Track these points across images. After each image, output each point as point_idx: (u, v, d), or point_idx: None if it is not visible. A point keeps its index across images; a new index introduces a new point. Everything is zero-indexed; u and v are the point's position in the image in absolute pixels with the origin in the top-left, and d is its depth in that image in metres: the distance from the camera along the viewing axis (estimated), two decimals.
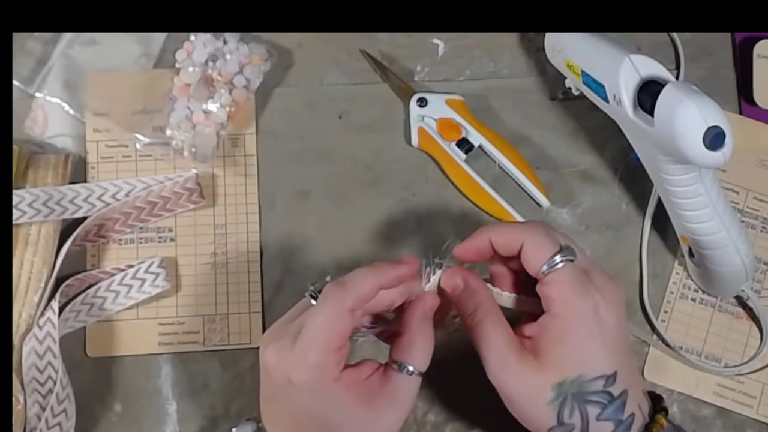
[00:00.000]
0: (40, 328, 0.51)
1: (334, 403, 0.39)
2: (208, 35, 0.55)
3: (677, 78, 0.58)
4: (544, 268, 0.40)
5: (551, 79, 0.58)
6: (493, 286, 0.44)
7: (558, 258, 0.40)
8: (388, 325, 0.44)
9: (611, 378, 0.40)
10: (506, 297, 0.44)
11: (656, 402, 0.42)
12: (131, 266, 0.54)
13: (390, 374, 0.40)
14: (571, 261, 0.40)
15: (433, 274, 0.43)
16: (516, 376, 0.40)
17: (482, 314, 0.41)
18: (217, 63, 0.55)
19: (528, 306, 0.43)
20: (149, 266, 0.54)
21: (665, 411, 0.41)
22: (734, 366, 0.53)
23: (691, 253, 0.51)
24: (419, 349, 0.41)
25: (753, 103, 0.57)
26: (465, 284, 0.43)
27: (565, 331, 0.40)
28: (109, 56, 0.57)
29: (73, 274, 0.53)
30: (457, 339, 0.53)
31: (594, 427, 0.39)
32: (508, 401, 0.41)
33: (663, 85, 0.43)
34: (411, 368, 0.40)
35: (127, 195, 0.55)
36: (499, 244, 0.42)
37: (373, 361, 0.42)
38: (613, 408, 0.39)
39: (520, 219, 0.55)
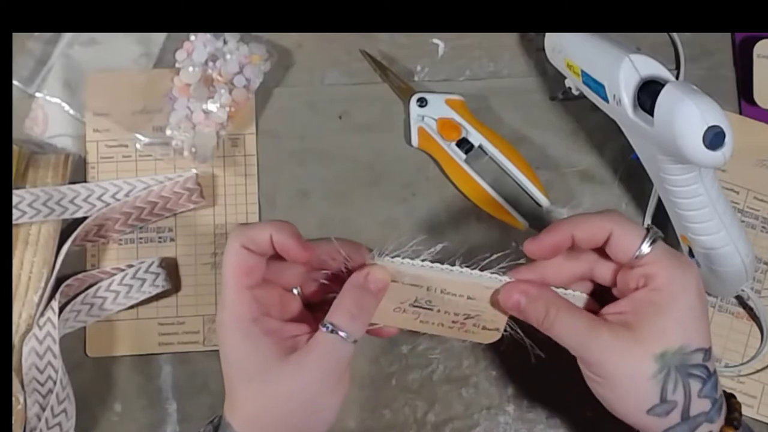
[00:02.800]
0: (40, 328, 0.51)
1: (253, 345, 0.39)
2: (208, 35, 0.55)
3: (677, 78, 0.58)
4: (644, 249, 0.40)
5: (551, 79, 0.58)
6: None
7: (650, 238, 0.40)
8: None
9: (708, 352, 0.39)
10: (580, 297, 0.43)
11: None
12: (131, 266, 0.54)
13: (314, 335, 0.40)
14: (663, 238, 0.41)
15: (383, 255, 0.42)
16: (614, 352, 0.39)
17: (555, 311, 0.41)
18: (217, 63, 0.55)
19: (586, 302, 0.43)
20: (149, 266, 0.54)
21: (733, 396, 0.42)
22: (734, 366, 0.53)
23: (691, 253, 0.51)
24: (343, 309, 0.40)
25: (753, 103, 0.57)
26: (525, 296, 0.42)
27: (668, 302, 0.39)
28: (109, 56, 0.57)
29: (73, 274, 0.53)
30: (456, 339, 0.53)
31: (695, 405, 0.39)
32: (605, 381, 0.40)
33: (663, 85, 0.42)
34: (330, 326, 0.39)
35: (127, 195, 0.55)
36: (583, 238, 0.41)
37: (309, 326, 0.42)
38: (711, 384, 0.39)
39: (520, 219, 0.55)
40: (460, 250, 0.44)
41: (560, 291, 0.43)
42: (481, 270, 0.42)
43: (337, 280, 0.43)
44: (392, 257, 0.42)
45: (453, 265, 0.42)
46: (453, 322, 0.44)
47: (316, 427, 0.41)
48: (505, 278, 0.43)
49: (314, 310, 0.45)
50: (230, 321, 0.40)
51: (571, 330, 0.40)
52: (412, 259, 0.42)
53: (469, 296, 0.43)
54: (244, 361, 0.40)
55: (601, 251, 0.43)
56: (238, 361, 0.40)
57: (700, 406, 0.39)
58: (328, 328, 0.40)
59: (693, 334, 0.39)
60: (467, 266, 0.42)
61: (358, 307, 0.41)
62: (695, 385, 0.39)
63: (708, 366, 0.39)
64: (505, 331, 0.44)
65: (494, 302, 0.43)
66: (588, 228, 0.41)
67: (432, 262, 0.42)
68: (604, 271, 0.43)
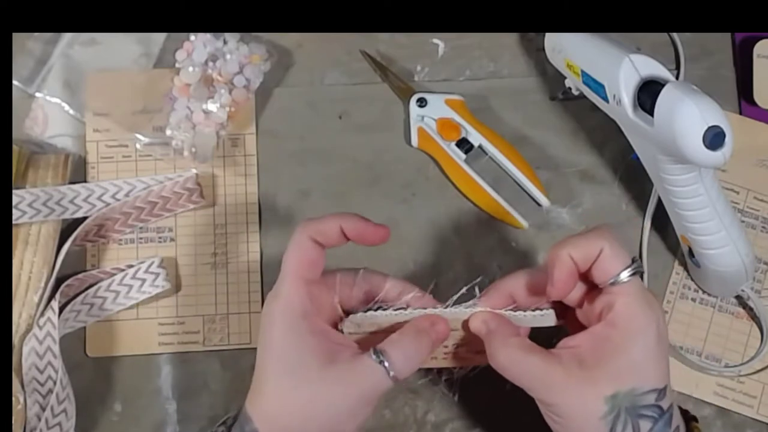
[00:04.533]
0: (40, 328, 0.51)
1: (297, 341, 0.39)
2: (208, 35, 0.55)
3: (677, 78, 0.58)
4: (622, 276, 0.39)
5: (551, 79, 0.58)
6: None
7: (629, 270, 0.40)
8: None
9: (662, 392, 0.39)
10: (549, 314, 0.43)
11: (684, 412, 0.42)
12: (131, 266, 0.54)
13: (362, 356, 0.40)
14: (642, 274, 0.40)
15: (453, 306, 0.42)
16: (566, 391, 0.39)
17: (509, 349, 0.40)
18: (217, 63, 0.55)
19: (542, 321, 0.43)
20: (149, 266, 0.54)
21: (695, 419, 0.42)
22: (734, 366, 0.53)
23: (691, 253, 0.51)
24: (401, 348, 0.40)
25: (753, 103, 0.57)
26: (486, 328, 0.42)
27: (624, 342, 0.39)
28: (109, 56, 0.57)
29: (73, 274, 0.53)
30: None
31: None
32: (560, 420, 0.40)
33: (663, 85, 0.43)
34: (382, 357, 0.39)
35: (127, 195, 0.55)
36: (580, 258, 0.40)
37: (354, 342, 0.42)
38: (662, 422, 0.39)
39: (520, 219, 0.55)
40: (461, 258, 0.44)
41: (528, 313, 0.43)
42: (464, 300, 0.43)
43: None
44: (365, 311, 0.42)
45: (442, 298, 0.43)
46: (445, 353, 0.45)
47: None
48: (477, 308, 0.43)
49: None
50: (281, 311, 0.40)
51: (525, 373, 0.40)
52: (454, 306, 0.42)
53: (452, 328, 0.43)
54: (284, 354, 0.39)
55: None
56: (278, 353, 0.39)
57: None
58: (379, 357, 0.39)
59: (646, 376, 0.39)
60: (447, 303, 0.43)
61: (415, 350, 0.40)
62: (645, 425, 0.39)
63: (662, 405, 0.39)
64: None
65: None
66: (583, 247, 0.40)
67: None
68: (569, 292, 0.42)
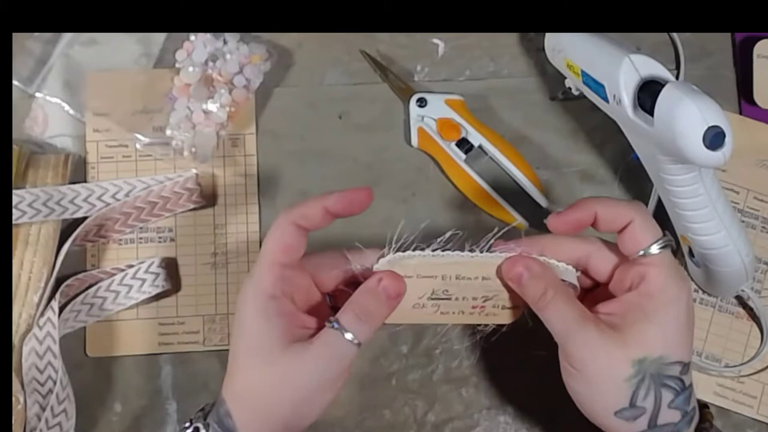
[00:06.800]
0: (40, 328, 0.51)
1: (264, 323, 0.40)
2: (208, 35, 0.55)
3: (677, 78, 0.58)
4: (653, 249, 0.41)
5: (551, 79, 0.58)
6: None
7: (662, 242, 0.41)
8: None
9: (686, 366, 0.40)
10: (571, 271, 0.43)
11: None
12: (131, 266, 0.54)
13: (322, 330, 0.40)
14: (672, 248, 0.41)
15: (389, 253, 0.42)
16: (596, 348, 0.39)
17: (552, 293, 0.41)
18: (217, 63, 0.55)
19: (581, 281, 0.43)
20: (149, 266, 0.54)
21: (707, 406, 0.42)
22: (734, 366, 0.53)
23: (691, 253, 0.51)
24: (351, 310, 0.40)
25: (753, 103, 0.57)
26: (528, 271, 0.42)
27: (656, 310, 0.40)
28: (109, 56, 0.57)
29: (73, 274, 0.53)
30: (455, 338, 0.53)
31: (664, 414, 0.39)
32: (581, 376, 0.40)
33: (663, 85, 0.42)
34: (336, 324, 0.40)
35: (127, 195, 0.55)
36: (606, 218, 0.42)
37: (322, 322, 0.42)
38: (683, 397, 0.39)
39: (520, 219, 0.55)
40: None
41: (552, 262, 0.43)
42: (489, 251, 0.42)
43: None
44: (403, 251, 0.41)
45: (463, 249, 0.42)
46: (473, 307, 0.44)
47: (300, 419, 0.41)
48: (512, 254, 0.43)
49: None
50: (252, 294, 0.40)
51: (562, 317, 0.40)
52: (422, 250, 0.42)
53: (484, 276, 0.43)
54: (251, 336, 0.40)
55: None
56: (246, 334, 0.40)
57: (669, 416, 0.39)
58: (334, 325, 0.40)
59: (674, 347, 0.40)
60: (477, 247, 0.42)
61: (366, 311, 0.41)
62: (667, 396, 0.39)
63: (684, 379, 0.40)
64: (526, 307, 0.44)
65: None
66: (614, 210, 0.42)
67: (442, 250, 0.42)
68: (600, 263, 0.43)
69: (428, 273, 0.42)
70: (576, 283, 0.44)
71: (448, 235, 0.42)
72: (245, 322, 0.40)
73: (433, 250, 0.42)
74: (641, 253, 0.41)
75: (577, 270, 0.44)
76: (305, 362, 0.39)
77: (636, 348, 0.39)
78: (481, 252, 0.42)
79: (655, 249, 0.41)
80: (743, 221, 0.56)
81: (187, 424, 0.41)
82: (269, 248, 0.41)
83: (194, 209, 0.55)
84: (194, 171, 0.56)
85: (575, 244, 0.44)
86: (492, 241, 0.43)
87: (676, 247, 0.41)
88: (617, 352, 0.39)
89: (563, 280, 0.43)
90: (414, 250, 0.42)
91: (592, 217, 0.42)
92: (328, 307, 0.44)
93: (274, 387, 0.39)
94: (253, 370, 0.40)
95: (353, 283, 0.43)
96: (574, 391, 0.41)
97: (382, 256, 0.42)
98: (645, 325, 0.40)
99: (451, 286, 0.43)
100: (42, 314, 0.51)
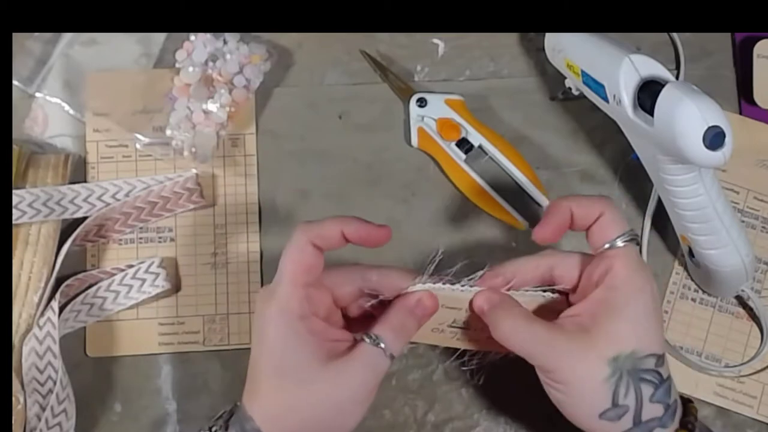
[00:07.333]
0: (40, 328, 0.51)
1: (297, 342, 0.39)
2: (208, 35, 0.55)
3: (677, 78, 0.58)
4: (618, 242, 0.41)
5: (551, 79, 0.58)
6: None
7: (627, 235, 0.41)
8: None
9: (661, 358, 0.40)
10: (549, 296, 0.44)
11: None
12: (131, 266, 0.54)
13: (359, 343, 0.41)
14: (637, 242, 0.42)
15: (426, 281, 0.43)
16: (568, 356, 0.39)
17: (512, 319, 0.41)
18: (217, 63, 0.55)
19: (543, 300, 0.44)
20: (149, 266, 0.54)
21: (691, 401, 0.42)
22: (734, 366, 0.53)
23: (691, 253, 0.51)
24: (389, 325, 0.41)
25: (753, 103, 0.57)
26: (488, 303, 0.42)
27: (623, 304, 0.40)
28: (109, 56, 0.57)
29: (73, 274, 0.53)
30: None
31: (647, 410, 0.39)
32: (562, 387, 0.40)
33: (663, 85, 0.42)
34: (374, 337, 0.40)
35: (127, 195, 0.55)
36: (580, 214, 0.42)
37: (351, 335, 0.42)
38: (663, 389, 0.39)
39: (520, 219, 0.55)
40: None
41: (529, 292, 0.43)
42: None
43: (381, 306, 0.43)
44: (434, 283, 0.43)
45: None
46: (488, 337, 0.44)
47: None
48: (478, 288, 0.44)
49: (350, 328, 0.45)
50: (278, 314, 0.40)
51: (527, 340, 0.40)
52: (452, 284, 0.43)
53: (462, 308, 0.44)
54: (283, 356, 0.39)
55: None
56: (276, 354, 0.40)
57: (652, 411, 0.39)
58: (372, 339, 0.40)
59: (645, 339, 0.40)
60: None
61: (403, 327, 0.41)
62: (647, 390, 0.39)
63: (661, 372, 0.40)
64: None
65: None
66: (586, 205, 0.42)
67: (470, 285, 0.43)
68: (564, 272, 0.43)
69: (454, 305, 0.44)
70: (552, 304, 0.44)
71: (480, 273, 0.43)
72: (271, 341, 0.40)
73: (462, 285, 0.43)
74: (607, 246, 0.41)
75: (554, 292, 0.44)
76: (349, 378, 0.39)
77: (608, 346, 0.39)
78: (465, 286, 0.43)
79: (620, 242, 0.41)
80: (743, 221, 0.55)
81: None
82: (291, 268, 0.40)
83: (194, 209, 0.55)
84: (194, 171, 0.56)
85: (535, 261, 0.44)
86: (482, 273, 0.43)
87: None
88: (590, 354, 0.39)
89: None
90: (444, 282, 0.43)
91: (569, 217, 0.43)
92: (342, 319, 0.44)
93: (311, 405, 0.39)
94: (286, 391, 0.39)
95: (365, 296, 0.43)
96: (557, 401, 0.41)
97: (415, 283, 0.43)
98: (614, 321, 0.40)
99: (473, 318, 0.44)
100: (42, 314, 0.51)
